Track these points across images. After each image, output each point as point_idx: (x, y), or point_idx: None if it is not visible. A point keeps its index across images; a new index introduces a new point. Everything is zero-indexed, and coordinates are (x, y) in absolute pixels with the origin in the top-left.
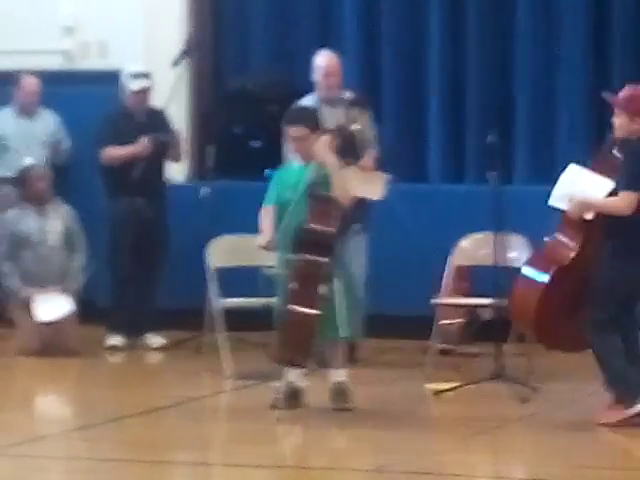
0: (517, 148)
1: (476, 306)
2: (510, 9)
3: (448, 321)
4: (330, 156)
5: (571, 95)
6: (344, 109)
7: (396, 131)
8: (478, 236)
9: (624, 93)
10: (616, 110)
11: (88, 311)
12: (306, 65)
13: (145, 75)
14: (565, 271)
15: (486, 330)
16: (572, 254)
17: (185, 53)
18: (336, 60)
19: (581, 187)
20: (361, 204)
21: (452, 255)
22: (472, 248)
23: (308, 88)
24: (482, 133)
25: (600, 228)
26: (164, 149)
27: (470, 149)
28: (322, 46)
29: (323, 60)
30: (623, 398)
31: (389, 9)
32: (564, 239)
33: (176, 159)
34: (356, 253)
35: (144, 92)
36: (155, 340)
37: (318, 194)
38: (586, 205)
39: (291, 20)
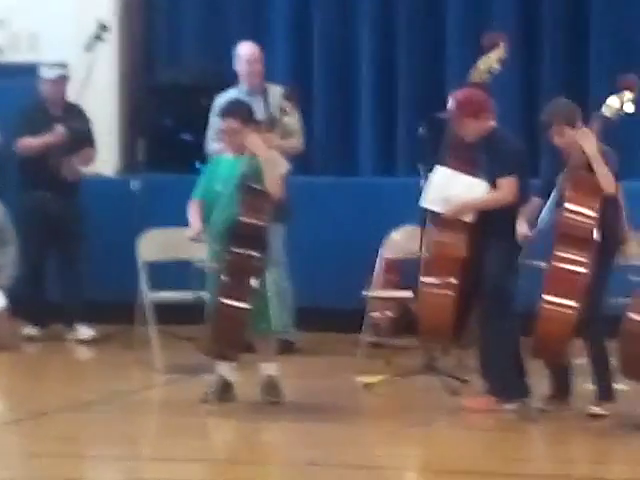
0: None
1: (406, 299)
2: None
3: (379, 313)
4: (263, 149)
5: (499, 88)
6: (275, 101)
7: (327, 124)
8: (409, 229)
9: (456, 103)
10: (456, 120)
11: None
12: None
13: (61, 65)
14: (461, 268)
15: (416, 323)
16: (462, 253)
17: (97, 37)
18: (257, 49)
19: (456, 190)
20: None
21: (383, 248)
22: (403, 241)
23: (238, 81)
24: (413, 125)
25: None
26: (79, 141)
27: (401, 142)
28: (252, 38)
29: (244, 49)
30: (497, 394)
31: (319, 1)
32: (448, 240)
33: (87, 162)
34: (276, 244)
35: (59, 82)
36: (84, 332)
37: (250, 187)
38: (467, 207)
39: (222, 12)
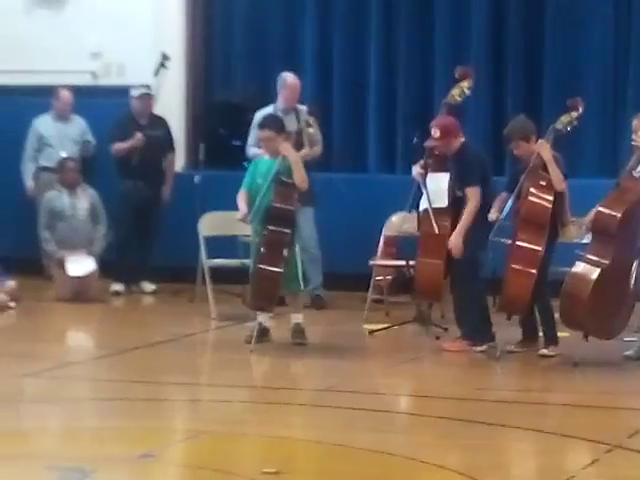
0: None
1: (401, 266)
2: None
3: (381, 277)
4: (292, 152)
5: (473, 108)
6: (300, 116)
7: (343, 133)
8: (403, 214)
9: (441, 132)
10: (443, 144)
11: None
12: (274, 82)
13: (146, 86)
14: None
15: (409, 284)
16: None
17: (161, 65)
18: (299, 81)
19: (431, 187)
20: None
21: (384, 228)
22: (399, 223)
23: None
24: (408, 135)
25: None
26: (161, 144)
27: (399, 148)
28: (287, 66)
29: (290, 79)
30: (469, 339)
31: (338, 39)
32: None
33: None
34: (306, 223)
35: (144, 98)
36: (149, 287)
37: (282, 180)
38: (461, 233)
39: (264, 45)
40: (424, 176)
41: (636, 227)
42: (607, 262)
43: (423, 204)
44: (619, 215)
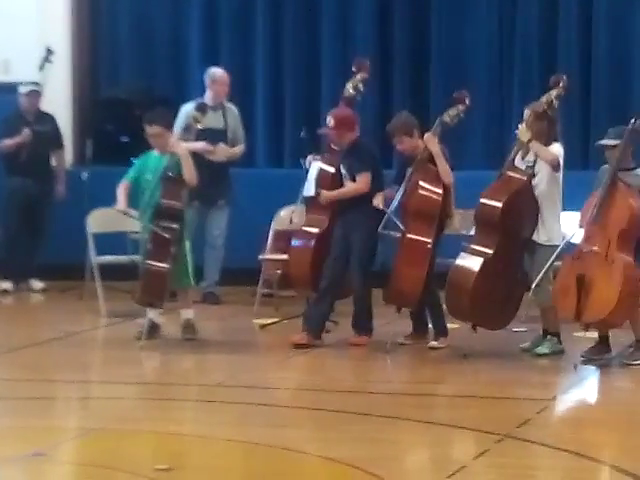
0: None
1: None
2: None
3: (270, 272)
4: (181, 147)
5: (362, 103)
6: (227, 113)
7: None
8: (292, 208)
9: (336, 121)
10: (337, 134)
11: None
12: (162, 79)
13: (35, 83)
14: (323, 236)
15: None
16: (325, 224)
17: (46, 59)
18: (227, 76)
19: (312, 175)
20: (226, 184)
21: (273, 222)
22: (288, 217)
23: (165, 96)
24: (296, 130)
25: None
26: (48, 140)
27: (288, 142)
28: (174, 63)
29: (219, 74)
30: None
31: (225, 35)
32: (316, 215)
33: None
34: (220, 221)
35: (32, 95)
36: (37, 284)
37: (170, 177)
38: (333, 196)
39: (150, 43)
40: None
41: (519, 217)
42: (491, 252)
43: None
44: (501, 205)
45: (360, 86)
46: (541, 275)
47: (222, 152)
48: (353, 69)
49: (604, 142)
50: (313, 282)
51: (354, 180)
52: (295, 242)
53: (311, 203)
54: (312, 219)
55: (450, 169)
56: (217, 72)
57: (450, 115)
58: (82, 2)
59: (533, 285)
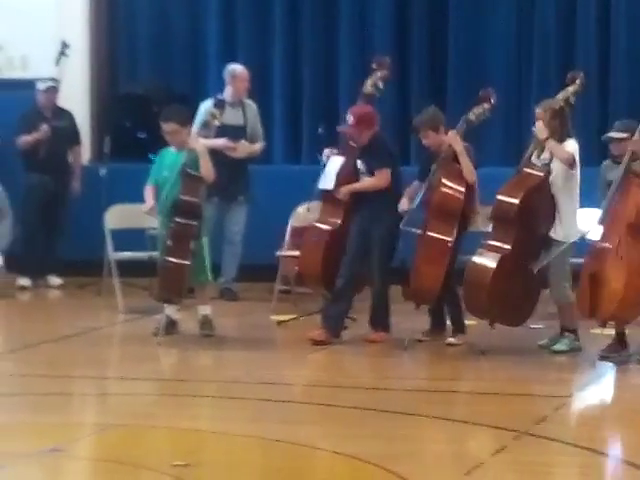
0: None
1: None
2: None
3: (288, 268)
4: (199, 143)
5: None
6: (247, 110)
7: None
8: (311, 204)
9: (356, 119)
10: (356, 133)
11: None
12: (180, 75)
13: (53, 80)
14: (336, 232)
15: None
16: (339, 220)
17: (62, 53)
18: (247, 73)
19: (329, 168)
20: (245, 181)
21: (291, 219)
22: (305, 213)
23: (183, 93)
24: (314, 127)
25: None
26: (66, 136)
27: (305, 138)
28: (192, 59)
29: (239, 71)
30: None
31: (243, 32)
32: (330, 210)
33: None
34: (239, 218)
35: (50, 91)
36: (55, 280)
37: (188, 173)
38: (352, 189)
39: (169, 38)
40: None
41: (536, 213)
42: (508, 248)
43: (320, 185)
44: (517, 201)
45: (380, 84)
46: (549, 259)
47: (243, 149)
48: (373, 66)
49: (612, 134)
50: (325, 279)
51: (372, 175)
52: (307, 238)
53: (327, 197)
54: (325, 214)
55: (474, 168)
56: (237, 68)
57: (475, 113)
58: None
59: (537, 266)
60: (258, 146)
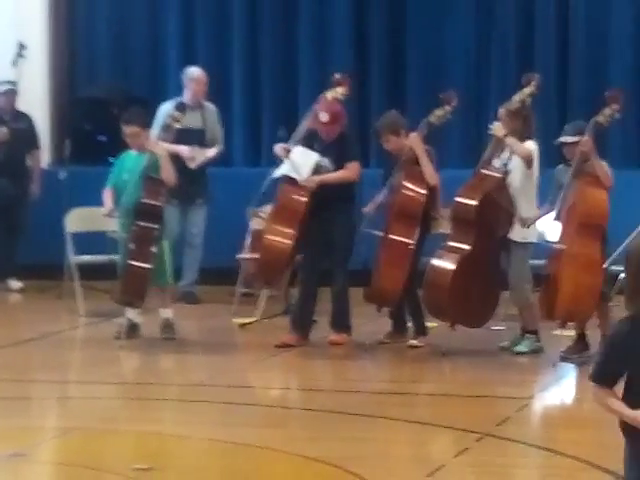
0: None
1: None
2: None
3: (249, 271)
4: (160, 147)
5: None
6: (206, 114)
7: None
8: (269, 207)
9: (331, 117)
10: (330, 128)
11: None
12: (139, 78)
13: (11, 82)
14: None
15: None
16: (303, 207)
17: (19, 55)
18: (205, 75)
19: (295, 158)
20: (204, 183)
21: (251, 221)
22: (264, 216)
23: (142, 96)
24: (273, 129)
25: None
26: (25, 139)
27: (265, 140)
28: (151, 62)
29: (197, 74)
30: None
31: (202, 37)
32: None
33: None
34: (198, 220)
35: (8, 94)
36: (16, 284)
37: (150, 176)
38: (322, 180)
39: (129, 41)
40: (287, 152)
41: (495, 214)
42: (468, 249)
43: (280, 171)
44: (476, 203)
45: (339, 99)
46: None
47: (201, 158)
48: (335, 80)
49: (563, 139)
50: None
51: (342, 166)
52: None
53: (287, 185)
54: (287, 205)
55: (435, 171)
56: (195, 71)
57: (437, 115)
58: (59, 1)
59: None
60: (214, 152)
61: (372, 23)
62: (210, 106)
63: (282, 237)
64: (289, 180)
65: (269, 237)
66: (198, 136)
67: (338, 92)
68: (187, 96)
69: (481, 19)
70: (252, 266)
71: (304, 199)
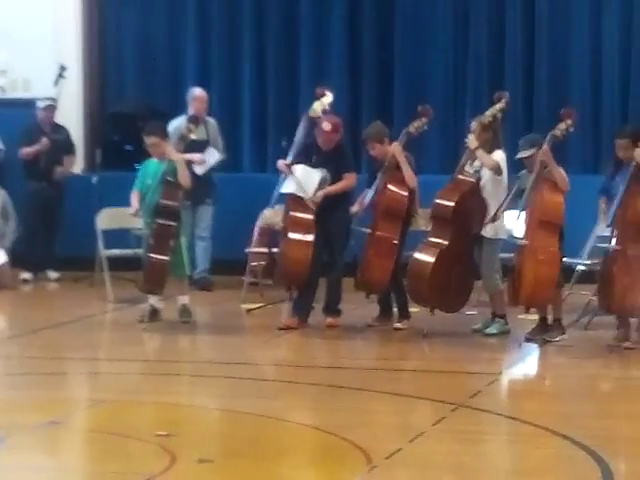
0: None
1: (273, 253)
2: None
3: (256, 263)
4: (177, 155)
5: (336, 110)
6: (208, 127)
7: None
8: (275, 208)
9: (333, 127)
10: (330, 138)
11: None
12: (161, 95)
13: (51, 99)
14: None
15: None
16: (312, 221)
17: (60, 75)
18: (206, 94)
19: (301, 178)
20: (211, 186)
21: (258, 220)
22: (270, 216)
23: (163, 110)
24: (277, 140)
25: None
26: (63, 148)
27: (270, 150)
28: (173, 80)
29: (198, 93)
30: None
31: (217, 56)
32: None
33: (70, 166)
34: (207, 217)
35: (48, 109)
36: (53, 274)
37: (168, 180)
38: (326, 193)
39: (152, 62)
40: (289, 167)
41: (469, 214)
42: (445, 244)
43: (288, 188)
44: (453, 204)
45: (326, 109)
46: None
47: (210, 161)
48: (317, 93)
49: (520, 155)
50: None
51: (341, 176)
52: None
53: (295, 203)
54: (299, 220)
55: (414, 174)
56: (196, 90)
57: (415, 126)
58: (92, 28)
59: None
60: (218, 155)
61: (364, 48)
62: (211, 120)
63: (301, 248)
64: (296, 197)
65: (291, 250)
66: (203, 146)
67: (324, 103)
68: (190, 112)
69: (458, 43)
70: (259, 260)
71: (312, 216)
